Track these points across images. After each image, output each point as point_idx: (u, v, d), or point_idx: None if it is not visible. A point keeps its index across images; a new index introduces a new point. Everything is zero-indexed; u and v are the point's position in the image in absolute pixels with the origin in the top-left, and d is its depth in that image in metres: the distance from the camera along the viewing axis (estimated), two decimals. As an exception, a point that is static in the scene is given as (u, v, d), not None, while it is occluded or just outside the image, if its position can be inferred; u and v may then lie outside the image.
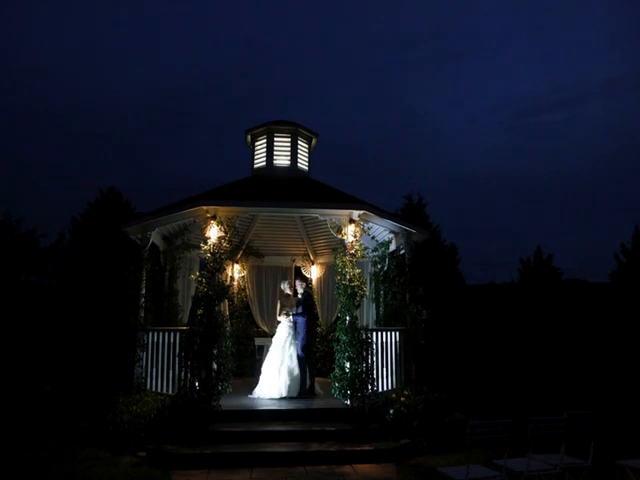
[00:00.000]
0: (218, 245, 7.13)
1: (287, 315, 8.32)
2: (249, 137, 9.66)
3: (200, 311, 6.84)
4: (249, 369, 10.23)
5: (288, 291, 8.83)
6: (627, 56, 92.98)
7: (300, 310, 8.25)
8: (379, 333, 7.70)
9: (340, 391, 6.98)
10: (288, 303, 8.49)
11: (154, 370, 7.59)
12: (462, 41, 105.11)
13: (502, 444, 4.52)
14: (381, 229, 8.58)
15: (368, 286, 8.45)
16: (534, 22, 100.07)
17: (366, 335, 7.09)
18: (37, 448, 6.50)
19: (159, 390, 7.45)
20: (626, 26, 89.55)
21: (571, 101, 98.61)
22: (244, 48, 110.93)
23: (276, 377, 7.91)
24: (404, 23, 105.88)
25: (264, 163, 9.29)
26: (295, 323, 8.29)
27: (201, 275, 7.10)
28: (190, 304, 9.09)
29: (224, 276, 7.88)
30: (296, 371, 8.00)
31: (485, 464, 5.01)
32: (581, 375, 11.66)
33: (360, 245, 7.53)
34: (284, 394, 7.76)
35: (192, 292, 8.96)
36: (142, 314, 7.87)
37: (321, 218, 7.82)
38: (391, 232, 8.58)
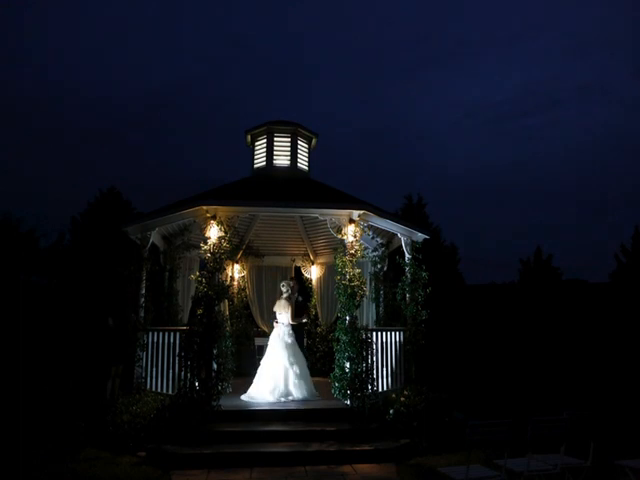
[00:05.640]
0: (218, 245, 7.11)
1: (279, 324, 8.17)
2: (249, 137, 9.66)
3: (200, 311, 6.83)
4: (249, 369, 10.21)
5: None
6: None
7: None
8: (379, 333, 7.70)
9: (340, 391, 6.98)
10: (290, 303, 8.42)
11: (154, 370, 7.59)
12: (461, 43, 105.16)
13: (502, 444, 4.52)
14: (381, 229, 8.59)
15: (368, 286, 8.46)
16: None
17: (366, 335, 7.10)
18: (37, 448, 6.49)
19: (159, 390, 7.45)
20: (600, 31, 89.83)
21: (549, 104, 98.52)
22: (243, 47, 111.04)
23: (270, 380, 7.72)
24: (400, 26, 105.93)
25: (264, 163, 9.29)
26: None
27: (201, 275, 7.07)
28: (190, 304, 9.14)
29: (224, 276, 7.84)
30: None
31: (485, 464, 5.01)
32: (581, 375, 11.66)
33: (360, 245, 7.52)
34: (276, 399, 7.53)
35: (192, 292, 8.97)
36: (142, 314, 7.87)
37: (321, 218, 7.81)
38: (391, 232, 8.57)
